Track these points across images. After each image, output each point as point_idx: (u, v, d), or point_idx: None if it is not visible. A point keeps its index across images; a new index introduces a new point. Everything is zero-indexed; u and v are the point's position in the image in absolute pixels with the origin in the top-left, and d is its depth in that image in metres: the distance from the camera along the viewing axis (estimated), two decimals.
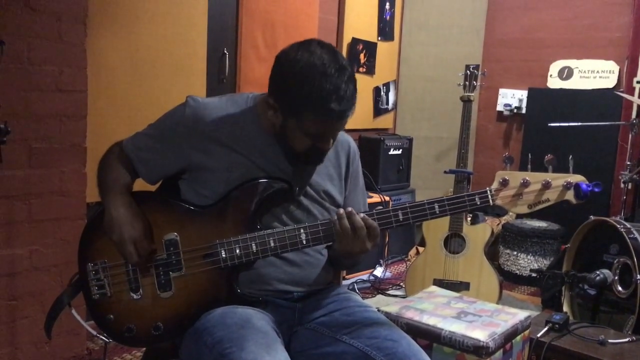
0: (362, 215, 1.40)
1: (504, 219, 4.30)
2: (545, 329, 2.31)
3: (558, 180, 1.39)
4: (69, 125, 2.45)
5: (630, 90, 4.14)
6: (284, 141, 1.47)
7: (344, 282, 3.66)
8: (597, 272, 2.56)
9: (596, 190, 1.37)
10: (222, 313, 1.41)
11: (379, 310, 1.86)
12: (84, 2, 2.46)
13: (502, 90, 4.91)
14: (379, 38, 4.64)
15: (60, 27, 2.37)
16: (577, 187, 1.37)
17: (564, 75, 4.60)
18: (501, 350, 1.94)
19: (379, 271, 3.95)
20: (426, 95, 4.98)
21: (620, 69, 4.38)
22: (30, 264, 2.39)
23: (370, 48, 4.53)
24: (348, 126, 1.45)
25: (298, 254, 1.51)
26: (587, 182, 1.37)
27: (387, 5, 4.70)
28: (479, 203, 1.41)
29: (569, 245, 3.11)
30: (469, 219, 3.62)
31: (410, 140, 4.55)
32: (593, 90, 4.43)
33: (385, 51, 4.71)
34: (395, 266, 4.23)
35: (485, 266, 3.21)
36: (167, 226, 1.49)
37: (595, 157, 4.15)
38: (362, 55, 4.45)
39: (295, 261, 1.52)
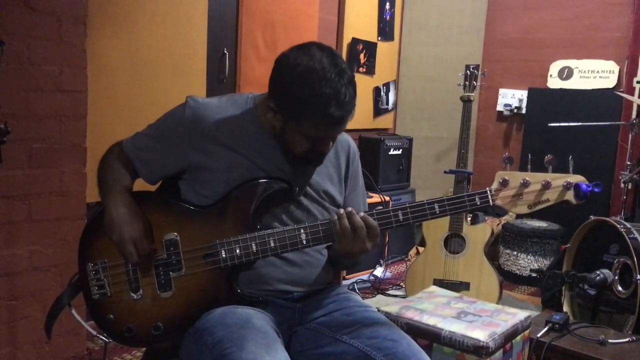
0: (362, 214, 1.40)
1: (504, 219, 4.30)
2: (545, 329, 2.31)
3: (558, 180, 1.39)
4: (69, 125, 2.45)
5: (630, 90, 4.14)
6: (283, 143, 1.47)
7: (344, 282, 3.66)
8: (597, 272, 2.56)
9: (596, 190, 1.37)
10: (222, 313, 1.41)
11: (379, 310, 1.86)
12: (84, 2, 2.46)
13: (502, 90, 4.91)
14: (379, 38, 4.64)
15: (60, 27, 2.37)
16: (577, 187, 1.37)
17: (564, 75, 4.60)
18: (501, 350, 1.94)
19: (379, 271, 3.96)
20: (426, 95, 4.98)
21: (620, 69, 4.38)
22: (30, 264, 2.39)
23: (370, 48, 4.53)
24: (348, 126, 1.45)
25: (298, 254, 1.51)
26: (587, 182, 1.38)
27: (387, 5, 4.70)
28: (479, 203, 1.41)
29: (569, 245, 3.11)
30: (469, 219, 3.62)
31: (410, 140, 4.55)
32: (593, 90, 4.43)
33: (385, 51, 4.71)
34: (395, 266, 4.23)
35: (485, 266, 3.21)
36: (167, 226, 1.49)
37: (595, 157, 4.15)
38: (362, 55, 4.45)
39: (295, 261, 1.52)
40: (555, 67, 4.65)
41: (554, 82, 4.64)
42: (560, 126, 3.85)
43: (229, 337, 1.32)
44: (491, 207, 1.43)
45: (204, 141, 1.49)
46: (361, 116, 4.50)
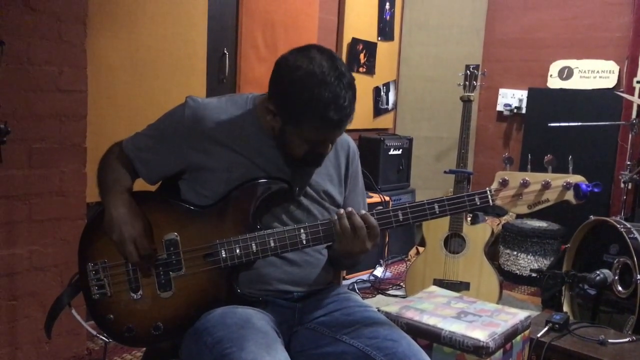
0: (363, 212, 1.41)
1: (504, 219, 4.30)
2: (545, 329, 2.31)
3: (558, 180, 1.39)
4: (69, 125, 2.45)
5: (630, 90, 4.14)
6: (282, 144, 1.47)
7: (344, 282, 3.66)
8: (597, 272, 2.56)
9: (596, 190, 1.37)
10: (222, 313, 1.42)
11: (379, 310, 1.86)
12: (84, 2, 2.46)
13: (502, 90, 4.91)
14: (379, 38, 4.64)
15: (60, 27, 2.37)
16: (576, 187, 1.37)
17: (564, 75, 4.60)
18: (501, 350, 1.94)
19: (379, 271, 3.96)
20: (426, 95, 4.98)
21: (620, 69, 4.38)
22: (30, 264, 2.39)
23: (370, 48, 4.54)
24: (348, 126, 1.45)
25: (298, 253, 1.51)
26: (587, 183, 1.38)
27: (387, 5, 4.70)
28: (478, 203, 1.41)
29: (569, 245, 3.11)
30: (469, 219, 3.62)
31: (410, 140, 4.55)
32: (593, 90, 4.43)
33: (385, 51, 4.71)
34: (395, 266, 4.23)
35: (485, 266, 3.21)
36: (167, 226, 1.49)
37: (595, 157, 4.15)
38: (362, 55, 4.45)
39: (295, 261, 1.52)
40: (555, 67, 4.65)
41: (554, 82, 4.64)
42: (560, 126, 3.85)
43: (229, 337, 1.32)
44: (491, 207, 1.43)
45: (203, 141, 1.49)
46: (361, 116, 4.50)
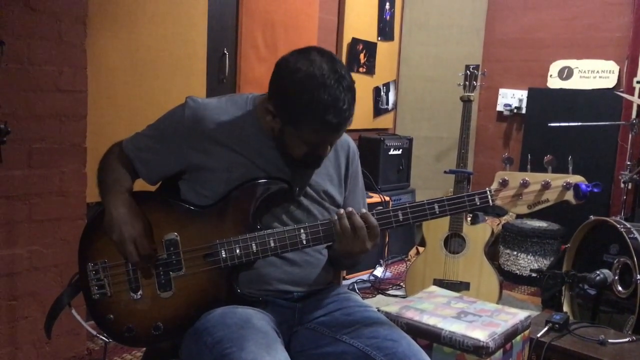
0: (363, 211, 1.41)
1: (504, 219, 4.30)
2: (545, 329, 2.31)
3: (557, 180, 1.39)
4: (69, 125, 2.45)
5: (630, 90, 4.14)
6: (281, 145, 1.47)
7: (344, 282, 3.66)
8: (597, 272, 2.56)
9: (595, 190, 1.37)
10: (222, 313, 1.42)
11: (379, 310, 1.86)
12: (84, 2, 2.46)
13: (502, 90, 4.91)
14: (379, 38, 4.64)
15: (60, 27, 2.37)
16: (576, 187, 1.37)
17: (564, 75, 4.60)
18: (501, 350, 1.94)
19: (379, 271, 3.96)
20: (426, 95, 4.98)
21: (620, 69, 4.38)
22: (30, 264, 2.39)
23: (370, 48, 4.54)
24: (348, 127, 1.45)
25: (298, 253, 1.51)
26: (587, 183, 1.38)
27: (387, 5, 4.70)
28: (478, 203, 1.41)
29: (569, 245, 3.11)
30: (469, 219, 3.62)
31: (410, 140, 4.55)
32: (593, 90, 4.43)
33: (385, 51, 4.71)
34: (395, 266, 4.23)
35: (485, 266, 3.21)
36: (167, 226, 1.49)
37: (595, 157, 4.15)
38: (362, 55, 4.45)
39: (295, 261, 1.52)
40: (555, 67, 4.65)
41: (554, 82, 4.64)
42: (560, 126, 3.85)
43: (229, 337, 1.32)
44: (491, 207, 1.43)
45: (203, 141, 1.49)
46: (361, 116, 4.50)
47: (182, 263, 1.47)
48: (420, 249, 3.84)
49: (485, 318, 2.03)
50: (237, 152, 1.49)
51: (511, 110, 4.85)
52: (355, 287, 3.72)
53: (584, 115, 4.11)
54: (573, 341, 2.27)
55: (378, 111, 4.78)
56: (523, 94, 4.77)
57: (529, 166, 1.44)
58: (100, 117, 2.67)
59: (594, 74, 4.48)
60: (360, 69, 4.46)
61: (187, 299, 1.46)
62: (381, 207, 1.70)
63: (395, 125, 5.06)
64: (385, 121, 4.90)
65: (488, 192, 1.41)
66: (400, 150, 4.43)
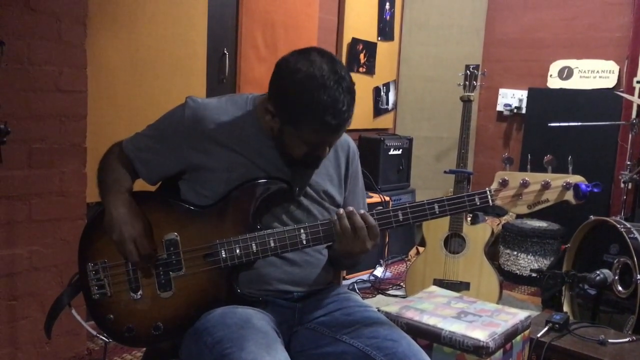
0: (362, 211, 1.41)
1: (504, 219, 4.30)
2: (546, 329, 2.31)
3: (557, 180, 1.39)
4: (69, 125, 2.45)
5: (630, 90, 4.14)
6: (281, 145, 1.47)
7: (344, 282, 3.66)
8: (597, 272, 2.56)
9: (595, 190, 1.37)
10: (222, 313, 1.42)
11: (379, 310, 1.86)
12: (84, 2, 2.46)
13: (502, 90, 4.91)
14: (379, 38, 4.64)
15: (60, 27, 2.37)
16: (576, 187, 1.37)
17: (564, 75, 4.60)
18: (501, 350, 1.94)
19: (379, 271, 3.96)
20: (426, 95, 4.98)
21: (620, 69, 4.38)
22: (30, 264, 2.39)
23: (370, 48, 4.54)
24: (349, 126, 1.45)
25: (298, 253, 1.51)
26: (587, 183, 1.38)
27: (387, 5, 4.70)
28: (478, 203, 1.41)
29: (569, 245, 3.11)
30: (469, 219, 3.62)
31: (410, 140, 4.55)
32: (593, 90, 4.43)
33: (385, 51, 4.71)
34: (395, 266, 4.23)
35: (486, 266, 3.21)
36: (167, 226, 1.49)
37: (595, 157, 4.15)
38: (362, 55, 4.45)
39: (295, 261, 1.52)
40: (555, 67, 4.65)
41: (554, 82, 4.64)
42: (560, 126, 3.85)
43: (229, 337, 1.32)
44: (491, 207, 1.43)
45: (203, 141, 1.49)
46: (361, 116, 4.50)
47: (182, 263, 1.47)
48: (420, 249, 3.84)
49: (485, 318, 2.03)
50: (237, 152, 1.49)
51: (511, 110, 4.85)
52: (355, 287, 3.72)
53: (584, 115, 4.11)
54: (573, 341, 2.27)
55: (378, 111, 4.78)
56: (523, 94, 4.77)
57: (529, 166, 1.44)
58: (100, 117, 2.67)
59: (594, 74, 4.48)
60: (360, 69, 4.46)
61: (187, 299, 1.46)
62: (381, 207, 1.70)
63: (395, 125, 5.06)
64: (385, 121, 4.90)
65: (488, 192, 1.41)
66: (400, 150, 4.43)
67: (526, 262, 3.90)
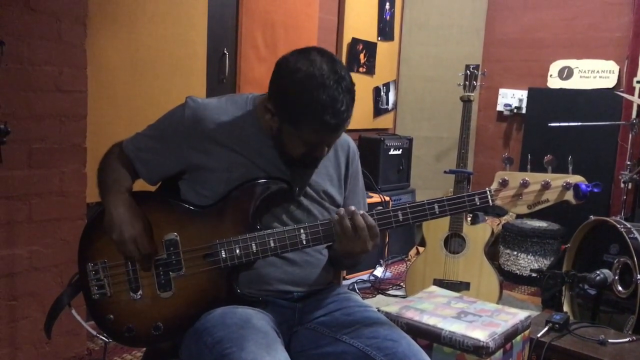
0: (361, 212, 1.41)
1: (504, 219, 4.30)
2: (546, 329, 2.31)
3: (557, 180, 1.39)
4: (69, 125, 2.45)
5: (630, 90, 4.14)
6: (279, 144, 1.47)
7: (344, 282, 3.66)
8: (597, 272, 2.56)
9: (595, 190, 1.37)
10: (222, 313, 1.42)
11: (379, 310, 1.86)
12: (84, 2, 2.46)
13: (502, 90, 4.91)
14: (379, 38, 4.64)
15: (60, 27, 2.37)
16: (576, 187, 1.37)
17: (564, 75, 4.60)
18: (501, 350, 1.94)
19: (379, 271, 3.96)
20: (426, 95, 4.98)
21: (620, 69, 4.38)
22: (30, 264, 2.39)
23: (370, 48, 4.54)
24: (347, 127, 1.45)
25: (298, 253, 1.51)
26: (587, 183, 1.38)
27: (387, 5, 4.70)
28: (478, 203, 1.41)
29: (569, 245, 3.11)
30: (469, 219, 3.62)
31: (410, 140, 4.55)
32: (593, 90, 4.43)
33: (385, 51, 4.71)
34: (395, 266, 4.23)
35: (486, 266, 3.21)
36: (167, 226, 1.49)
37: (595, 157, 4.15)
38: (362, 55, 4.45)
39: (295, 261, 1.52)
40: (555, 67, 4.65)
41: (554, 82, 4.64)
42: (560, 126, 3.85)
43: (229, 337, 1.32)
44: (491, 207, 1.43)
45: (203, 141, 1.49)
46: (361, 116, 4.50)
47: (182, 263, 1.47)
48: (420, 249, 3.84)
49: (485, 318, 2.03)
50: (237, 152, 1.49)
51: (511, 110, 4.85)
52: (356, 287, 3.72)
53: (584, 115, 4.11)
54: (573, 341, 2.27)
55: (378, 111, 4.78)
56: (523, 94, 4.77)
57: (529, 166, 1.44)
58: (100, 117, 2.67)
59: (594, 74, 4.48)
60: (360, 69, 4.46)
61: (187, 299, 1.46)
62: (381, 207, 1.70)
63: (395, 125, 5.06)
64: (385, 121, 4.90)
65: (488, 192, 1.41)
66: (400, 150, 4.43)
67: (526, 262, 3.90)
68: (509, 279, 3.93)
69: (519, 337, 2.06)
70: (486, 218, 4.15)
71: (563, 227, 3.92)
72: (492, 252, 4.00)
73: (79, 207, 2.52)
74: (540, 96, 4.60)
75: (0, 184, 2.25)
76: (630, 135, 3.76)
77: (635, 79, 4.12)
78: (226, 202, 1.48)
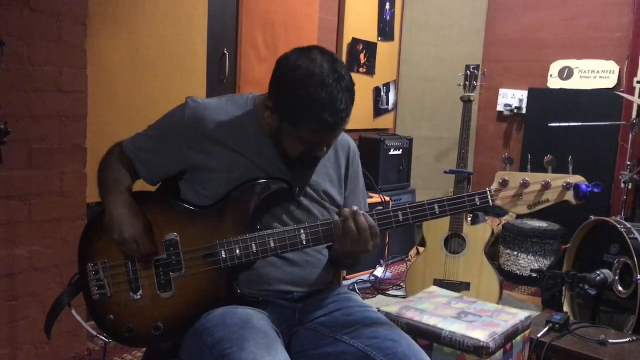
0: (361, 212, 1.41)
1: (504, 219, 4.30)
2: (546, 329, 2.31)
3: (557, 180, 1.39)
4: (69, 125, 2.45)
5: (630, 90, 4.14)
6: (278, 143, 1.47)
7: (344, 282, 3.66)
8: (597, 272, 2.56)
9: (595, 190, 1.37)
10: (222, 313, 1.42)
11: (379, 310, 1.86)
12: (84, 2, 2.46)
13: (502, 90, 4.91)
14: (379, 38, 4.64)
15: (60, 27, 2.37)
16: (576, 187, 1.37)
17: (564, 75, 4.60)
18: (501, 350, 1.94)
19: (379, 271, 3.96)
20: (426, 95, 4.98)
21: (620, 69, 4.38)
22: (30, 264, 2.39)
23: (370, 48, 4.53)
24: (348, 126, 1.45)
25: (298, 254, 1.51)
26: (587, 183, 1.38)
27: (387, 5, 4.70)
28: (478, 203, 1.41)
29: (569, 245, 3.11)
30: (469, 219, 3.62)
31: (410, 140, 4.55)
32: (593, 90, 4.43)
33: (385, 51, 4.71)
34: (396, 266, 4.23)
35: (486, 266, 3.21)
36: (167, 226, 1.49)
37: (595, 157, 4.15)
38: (362, 55, 4.45)
39: (295, 261, 1.52)
40: (555, 67, 4.65)
41: (554, 82, 4.64)
42: (560, 126, 3.85)
43: (229, 337, 1.32)
44: (491, 207, 1.43)
45: (203, 141, 1.49)
46: (361, 116, 4.50)
47: (181, 263, 1.47)
48: (420, 249, 3.84)
49: (485, 318, 2.03)
50: (237, 152, 1.49)
51: (511, 110, 4.85)
52: (356, 287, 3.72)
53: (584, 115, 4.11)
54: (573, 341, 2.27)
55: (378, 111, 4.78)
56: (523, 94, 4.77)
57: (529, 166, 1.44)
58: (100, 117, 2.67)
59: (594, 74, 4.48)
60: (360, 69, 4.46)
61: (187, 299, 1.46)
62: (381, 207, 1.70)
63: (395, 125, 5.06)
64: (385, 121, 4.90)
65: (488, 192, 1.41)
66: (400, 150, 4.43)
67: (526, 262, 3.90)
68: (509, 279, 3.93)
69: (519, 337, 2.06)
70: (486, 218, 4.14)
71: (563, 227, 3.92)
72: (492, 252, 4.00)
73: (79, 207, 2.52)
74: (540, 96, 4.60)
75: (0, 184, 2.25)
76: (630, 135, 3.76)
77: (635, 79, 4.12)
78: (226, 202, 1.48)
